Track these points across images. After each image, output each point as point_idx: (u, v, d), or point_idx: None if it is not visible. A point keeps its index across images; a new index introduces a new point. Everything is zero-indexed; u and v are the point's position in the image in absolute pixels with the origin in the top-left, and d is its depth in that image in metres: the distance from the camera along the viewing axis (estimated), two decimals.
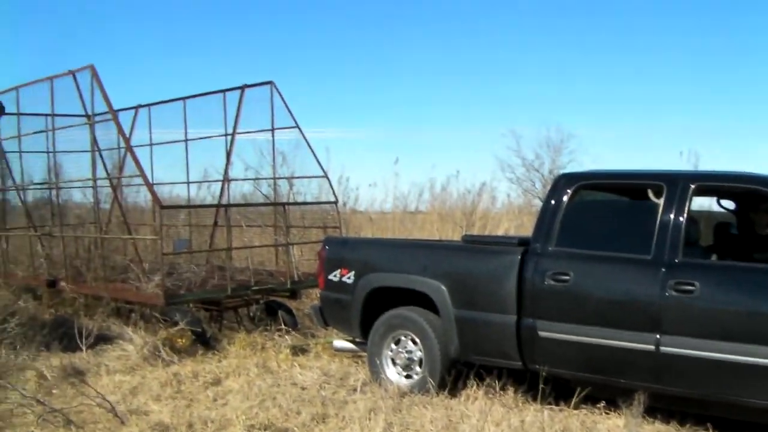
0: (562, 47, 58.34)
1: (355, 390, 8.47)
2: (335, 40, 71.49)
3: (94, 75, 11.81)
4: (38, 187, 15.11)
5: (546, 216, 7.96)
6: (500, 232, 16.78)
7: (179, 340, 10.44)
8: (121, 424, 7.39)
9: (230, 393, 8.47)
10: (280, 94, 13.69)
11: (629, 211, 8.21)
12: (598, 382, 7.47)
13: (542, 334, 7.55)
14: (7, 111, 12.66)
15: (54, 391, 8.69)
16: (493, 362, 8.09)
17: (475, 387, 8.03)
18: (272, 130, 14.10)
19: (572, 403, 7.57)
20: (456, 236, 14.37)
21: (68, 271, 13.10)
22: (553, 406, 7.72)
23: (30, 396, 7.88)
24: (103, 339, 10.98)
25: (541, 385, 7.64)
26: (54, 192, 14.51)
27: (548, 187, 8.57)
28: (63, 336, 10.63)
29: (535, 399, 7.80)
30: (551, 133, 31.77)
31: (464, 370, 8.22)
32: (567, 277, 7.46)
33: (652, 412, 7.26)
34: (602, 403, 7.54)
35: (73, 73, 12.37)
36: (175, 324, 10.67)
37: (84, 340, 10.41)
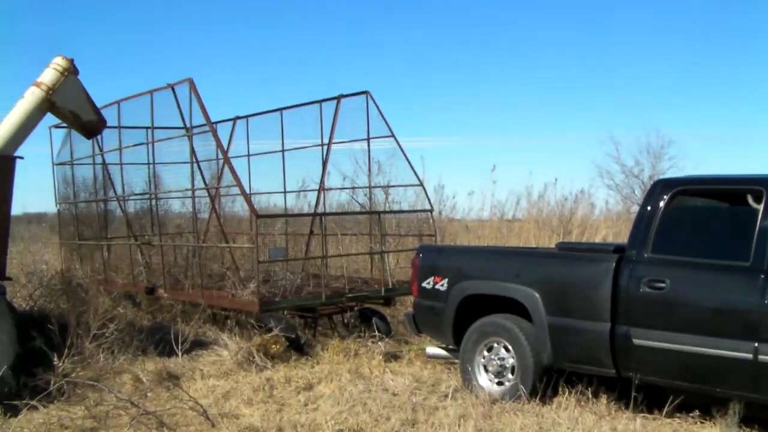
0: (662, 50, 57.58)
1: (446, 396, 8.45)
2: (431, 49, 71.85)
3: (193, 88, 12.03)
4: (139, 197, 15.49)
5: (642, 222, 7.83)
6: (598, 240, 16.58)
7: (273, 346, 10.55)
8: (211, 427, 7.53)
9: (321, 398, 8.53)
10: (376, 104, 13.78)
11: (727, 216, 8.03)
12: (693, 391, 7.32)
13: (636, 341, 7.43)
14: (108, 124, 12.97)
15: (149, 395, 8.90)
16: (586, 370, 7.99)
17: (567, 394, 7.94)
18: (368, 139, 14.18)
19: (665, 411, 7.44)
20: (553, 244, 14.22)
21: (166, 279, 13.39)
22: (647, 414, 7.59)
23: (125, 398, 8.06)
24: (198, 344, 11.19)
25: (633, 393, 7.51)
26: (154, 202, 14.84)
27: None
28: (160, 341, 10.85)
29: (627, 407, 7.69)
30: (651, 138, 31.39)
31: (556, 377, 8.12)
32: (663, 285, 7.32)
33: (748, 421, 7.09)
34: (696, 412, 7.38)
35: (172, 87, 12.63)
36: (270, 330, 10.80)
37: (180, 345, 10.61)
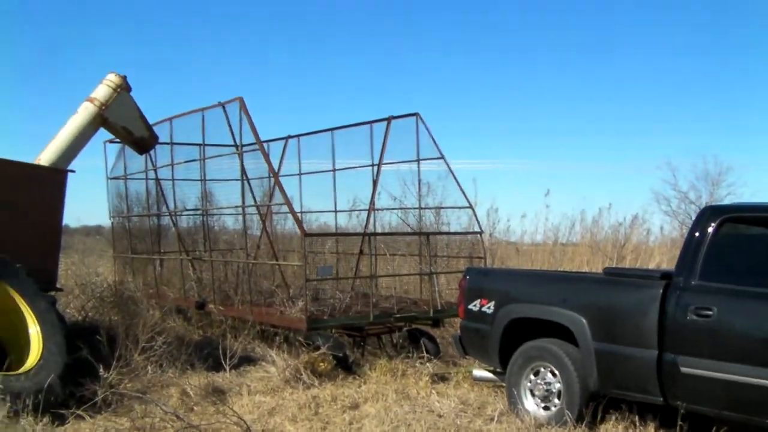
0: (719, 76, 56.95)
1: (491, 420, 8.41)
2: (483, 72, 71.83)
3: (243, 107, 12.18)
4: (190, 213, 15.68)
5: (690, 249, 7.73)
6: (652, 266, 16.38)
7: (321, 364, 10.58)
8: None
9: (366, 417, 8.53)
10: (426, 126, 13.84)
11: None
12: (740, 421, 7.20)
13: (684, 370, 7.31)
14: (161, 140, 13.17)
15: (195, 409, 8.98)
16: (632, 397, 7.90)
17: (613, 421, 7.86)
18: (418, 161, 14.22)
19: None
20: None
21: (216, 294, 13.51)
22: None
23: (171, 411, 8.13)
24: (246, 360, 11.27)
25: (679, 422, 7.41)
26: (205, 218, 14.99)
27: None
28: (208, 356, 10.95)
29: None
30: (709, 165, 30.94)
31: (603, 403, 8.03)
32: (710, 312, 7.21)
33: None
34: None
35: (222, 105, 12.80)
36: (317, 348, 10.83)
37: (228, 360, 10.68)
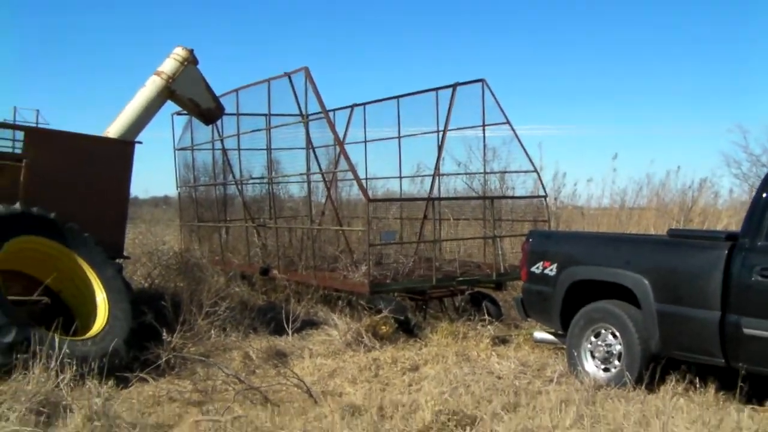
0: None
1: (550, 381, 8.38)
2: (550, 37, 70.97)
3: (308, 76, 12.22)
4: (256, 181, 15.82)
5: (756, 210, 7.61)
6: (719, 228, 16.09)
7: (382, 327, 10.63)
8: (314, 404, 7.64)
9: (426, 379, 8.56)
10: (492, 92, 13.73)
11: None
12: None
13: (747, 331, 7.21)
14: (227, 112, 13.28)
15: (257, 371, 9.09)
16: (694, 358, 7.81)
17: (673, 383, 7.77)
18: (483, 126, 14.11)
19: None
20: None
21: (281, 260, 13.61)
22: (755, 406, 7.36)
23: (232, 374, 8.24)
24: (309, 324, 11.36)
25: (739, 383, 7.30)
26: (270, 186, 15.09)
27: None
28: (271, 320, 11.05)
29: (735, 397, 7.49)
30: None
31: (663, 364, 7.94)
32: None
33: None
34: None
35: (288, 75, 12.85)
36: (379, 312, 10.88)
37: (290, 324, 10.81)
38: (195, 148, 16.60)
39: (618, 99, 73.33)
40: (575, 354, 8.66)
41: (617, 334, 8.30)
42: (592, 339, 8.59)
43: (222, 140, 15.57)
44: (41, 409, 6.70)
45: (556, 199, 18.09)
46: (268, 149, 14.41)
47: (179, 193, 17.98)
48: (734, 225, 16.12)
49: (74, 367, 7.61)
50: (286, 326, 10.79)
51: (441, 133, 14.73)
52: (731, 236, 7.79)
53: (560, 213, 18.11)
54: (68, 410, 6.73)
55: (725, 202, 19.62)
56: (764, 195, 7.60)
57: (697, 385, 7.73)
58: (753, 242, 7.43)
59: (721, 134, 65.16)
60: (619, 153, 30.75)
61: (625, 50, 73.03)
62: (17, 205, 8.84)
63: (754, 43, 63.26)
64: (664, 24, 69.81)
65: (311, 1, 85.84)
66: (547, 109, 72.51)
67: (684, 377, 7.82)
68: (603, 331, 8.49)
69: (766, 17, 61.66)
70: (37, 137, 9.99)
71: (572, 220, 18.60)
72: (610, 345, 8.39)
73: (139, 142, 11.11)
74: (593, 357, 8.57)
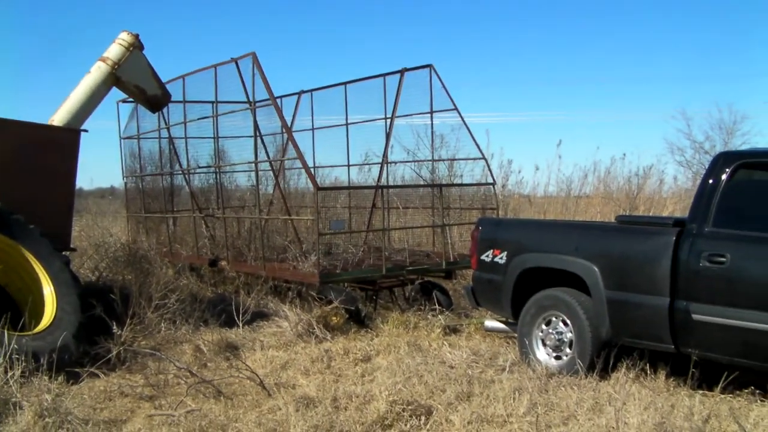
0: (734, 22, 56.34)
1: (503, 370, 8.41)
2: (494, 24, 71.33)
3: (256, 62, 12.08)
4: (203, 170, 15.67)
5: (703, 196, 7.68)
6: (664, 215, 16.29)
7: (333, 318, 10.60)
8: (267, 396, 7.60)
9: (378, 370, 8.54)
10: (439, 78, 13.73)
11: None
12: (753, 368, 7.20)
13: (696, 317, 7.30)
14: (173, 99, 13.13)
15: (208, 364, 9.01)
16: (644, 345, 7.90)
17: (624, 370, 7.86)
18: (431, 113, 14.14)
19: (720, 387, 7.35)
20: None
21: (229, 251, 13.53)
22: (705, 391, 7.49)
23: (184, 367, 8.18)
24: (259, 316, 11.28)
25: (691, 369, 7.40)
26: (218, 175, 14.98)
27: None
28: (221, 312, 10.93)
29: (685, 383, 7.60)
30: (723, 114, 30.67)
31: (614, 351, 8.01)
32: (723, 259, 7.17)
33: None
34: (752, 389, 7.30)
35: (235, 61, 12.70)
36: (330, 302, 10.85)
37: (241, 316, 10.73)
38: (141, 136, 16.38)
39: (562, 84, 73.95)
40: (527, 342, 8.71)
41: (568, 321, 8.36)
42: (543, 327, 8.65)
43: (168, 128, 15.36)
44: None
45: (503, 187, 18.19)
46: (216, 137, 14.25)
47: (125, 184, 17.74)
48: (679, 212, 16.40)
49: (23, 363, 7.50)
50: (236, 318, 10.70)
51: (389, 120, 14.71)
52: (679, 222, 7.86)
53: (508, 201, 18.20)
54: (18, 407, 6.60)
55: (670, 189, 19.91)
56: (710, 181, 7.67)
57: (648, 372, 7.81)
58: (700, 228, 7.50)
59: (665, 121, 66.01)
60: (564, 140, 31.00)
61: (569, 36, 73.58)
62: None
63: (697, 29, 64.06)
64: (606, 10, 70.42)
65: None
66: (492, 96, 72.97)
67: (635, 364, 7.89)
68: (554, 318, 8.55)
69: (710, 6, 62.48)
70: None
71: (520, 209, 18.72)
72: (561, 333, 8.45)
73: (85, 130, 10.94)
74: (545, 345, 8.62)
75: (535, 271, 8.88)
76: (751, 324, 6.93)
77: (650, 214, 16.91)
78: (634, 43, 69.44)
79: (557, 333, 8.48)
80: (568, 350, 8.36)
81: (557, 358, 8.47)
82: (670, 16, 65.91)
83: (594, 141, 56.68)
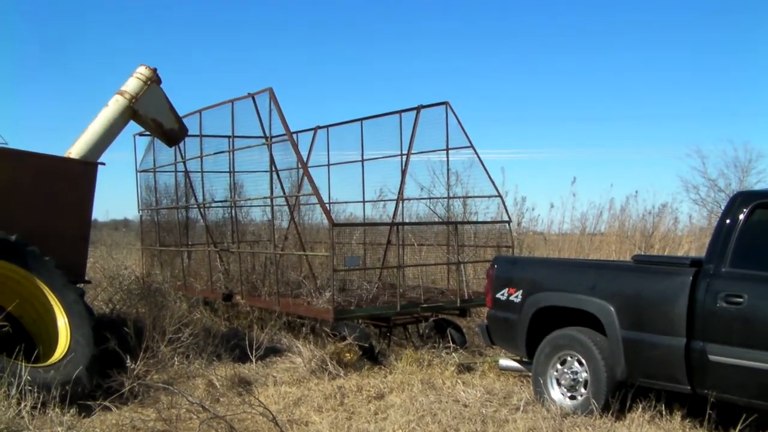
0: (750, 60, 56.33)
1: (517, 409, 8.34)
2: (510, 63, 71.56)
3: (272, 97, 12.14)
4: (219, 205, 15.70)
5: (720, 236, 7.63)
6: (680, 254, 16.21)
7: (347, 354, 10.56)
8: None
9: (392, 407, 8.49)
10: (455, 115, 13.78)
11: None
12: None
13: (713, 358, 7.22)
14: (190, 133, 13.18)
15: (221, 399, 8.98)
16: (660, 385, 7.81)
17: (640, 410, 7.79)
18: (446, 150, 14.17)
19: (738, 430, 7.23)
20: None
21: (244, 286, 13.52)
22: None
23: (196, 402, 8.14)
24: (272, 351, 11.26)
25: (708, 411, 7.32)
26: (233, 210, 14.99)
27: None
28: (234, 347, 10.95)
29: (701, 425, 7.53)
30: (738, 152, 30.57)
31: (630, 392, 7.95)
32: (741, 300, 7.11)
33: None
34: None
35: (252, 96, 12.76)
36: (344, 339, 10.81)
37: (254, 351, 10.69)
38: (157, 170, 16.44)
39: (577, 122, 74.09)
40: (541, 381, 8.64)
41: (583, 361, 8.28)
42: (558, 366, 8.57)
43: (185, 162, 15.44)
44: None
45: (518, 224, 18.16)
46: (231, 172, 14.31)
47: (141, 216, 17.77)
48: (694, 251, 16.31)
49: (36, 395, 7.49)
50: (249, 353, 10.67)
51: (404, 157, 14.74)
52: (696, 262, 7.79)
53: (522, 238, 18.16)
54: None
55: (685, 227, 19.82)
56: (727, 221, 7.63)
57: (664, 413, 7.73)
58: (717, 268, 7.45)
59: (679, 158, 65.89)
60: (579, 177, 30.96)
61: (583, 74, 73.75)
62: None
63: (712, 69, 64.12)
64: (620, 48, 70.59)
65: (276, 23, 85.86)
66: (507, 133, 73.08)
67: (651, 405, 7.81)
68: (569, 358, 8.47)
69: (724, 38, 62.56)
70: None
71: (535, 246, 18.68)
72: (576, 372, 8.37)
73: (102, 164, 11.00)
74: (559, 384, 8.54)
75: (551, 310, 8.82)
76: (767, 365, 6.84)
77: (666, 252, 16.86)
78: (648, 80, 69.47)
79: (572, 373, 8.40)
80: (583, 390, 8.27)
81: (572, 398, 8.39)
82: (685, 53, 65.98)
83: (608, 178, 56.70)
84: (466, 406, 8.56)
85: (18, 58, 78.75)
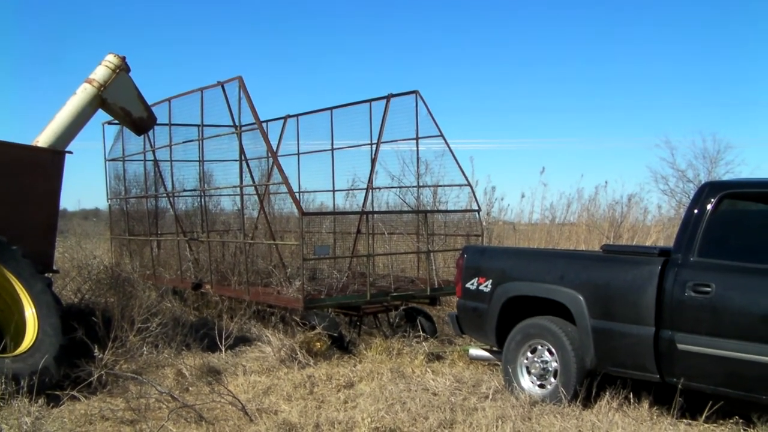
0: (719, 51, 56.77)
1: (486, 397, 8.40)
2: (480, 51, 71.64)
3: (242, 86, 12.06)
4: (188, 194, 15.61)
5: (688, 225, 7.67)
6: (648, 244, 16.31)
7: (316, 343, 10.56)
8: (249, 422, 7.55)
9: (361, 396, 8.51)
10: (425, 104, 13.77)
11: None
12: (738, 398, 7.18)
13: (681, 346, 7.27)
14: (159, 121, 13.09)
15: (190, 389, 8.96)
16: (629, 374, 7.87)
17: (607, 398, 7.84)
18: (416, 139, 14.17)
19: (704, 417, 7.33)
20: None
21: (213, 275, 13.47)
22: (690, 421, 7.48)
23: (165, 391, 8.13)
24: (242, 341, 11.23)
25: (676, 399, 7.39)
26: (203, 199, 14.92)
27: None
28: (204, 337, 10.92)
29: (668, 412, 7.59)
30: (707, 143, 30.86)
31: (598, 380, 8.00)
32: (709, 289, 7.16)
33: None
34: (736, 418, 7.30)
35: (222, 85, 12.68)
36: (313, 328, 10.80)
37: (223, 341, 10.67)
38: (126, 158, 16.31)
39: (547, 112, 74.40)
40: (510, 370, 8.68)
41: (554, 351, 8.31)
42: (529, 354, 8.60)
43: (154, 151, 15.33)
44: None
45: (488, 214, 18.19)
46: (201, 161, 14.22)
47: (110, 206, 17.61)
48: (662, 240, 16.42)
49: (3, 385, 7.43)
50: (219, 343, 10.65)
51: (374, 146, 14.73)
52: (664, 252, 7.85)
53: (491, 228, 18.20)
54: None
55: (654, 217, 19.93)
56: (696, 211, 7.67)
57: (632, 401, 7.81)
58: (685, 258, 7.49)
59: (649, 149, 66.33)
60: (548, 168, 31.06)
61: (554, 64, 74.02)
62: None
63: (682, 60, 64.55)
64: (590, 38, 70.92)
65: (244, 9, 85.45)
66: (476, 123, 73.24)
67: (619, 393, 7.88)
68: (539, 347, 8.50)
69: (693, 29, 62.98)
70: None
71: (504, 236, 18.71)
72: (546, 362, 8.40)
73: (70, 152, 10.90)
74: (529, 373, 8.58)
75: (520, 300, 8.85)
76: (735, 354, 6.91)
77: (634, 242, 16.94)
78: (617, 71, 69.83)
79: (542, 362, 8.44)
80: (552, 379, 8.31)
81: (541, 386, 8.43)
82: (655, 45, 66.35)
83: (578, 169, 56.99)
84: (435, 394, 8.61)
85: (13, 52, 77.88)
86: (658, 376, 7.54)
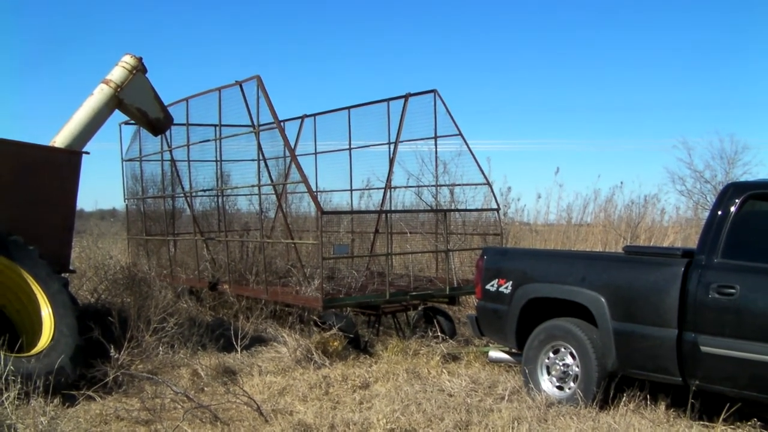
0: (737, 52, 56.46)
1: (502, 399, 8.34)
2: (499, 52, 71.51)
3: (260, 85, 12.00)
4: (206, 194, 15.56)
5: (712, 227, 7.57)
6: (666, 245, 16.19)
7: (332, 344, 10.50)
8: (264, 423, 7.51)
9: (377, 397, 8.46)
10: (444, 103, 13.70)
11: None
12: (762, 401, 7.06)
13: (704, 349, 7.17)
14: (176, 121, 13.06)
15: (205, 389, 8.93)
16: (651, 377, 7.77)
17: (624, 400, 7.77)
18: (435, 138, 14.09)
19: (721, 419, 7.24)
20: (620, 248, 14.03)
21: (231, 275, 13.41)
22: (706, 423, 7.41)
23: (181, 392, 8.08)
24: (258, 341, 11.21)
25: (690, 400, 7.31)
26: (220, 199, 14.88)
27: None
28: (219, 337, 10.90)
29: (686, 414, 7.52)
30: (725, 144, 30.67)
31: (615, 382, 7.92)
32: (733, 291, 7.06)
33: None
34: (754, 421, 7.25)
35: (239, 84, 12.62)
36: (330, 328, 10.74)
37: (239, 341, 10.61)
38: (143, 159, 16.28)
39: (563, 112, 74.20)
40: (531, 369, 8.59)
41: (576, 355, 8.20)
42: (551, 354, 8.51)
43: (171, 151, 15.28)
44: None
45: (504, 214, 18.08)
46: (218, 160, 14.17)
47: (127, 206, 17.60)
48: (680, 241, 16.32)
49: (19, 385, 7.40)
50: (235, 343, 10.59)
51: (392, 145, 14.66)
52: (687, 253, 7.75)
53: (508, 229, 18.10)
54: (13, 429, 6.57)
55: (671, 218, 19.80)
56: (719, 212, 7.57)
57: (649, 403, 7.74)
58: (709, 259, 7.40)
59: (666, 150, 66.06)
60: (565, 168, 31.00)
61: (571, 65, 73.84)
62: None
63: (699, 60, 64.24)
64: (608, 39, 70.66)
65: (262, 9, 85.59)
66: (493, 124, 73.15)
67: (636, 395, 7.80)
68: (562, 349, 8.41)
69: (712, 30, 62.67)
70: None
71: (521, 236, 18.63)
72: (567, 365, 8.31)
73: (87, 153, 10.87)
74: (549, 373, 8.50)
75: (541, 302, 8.76)
76: (760, 357, 6.80)
77: (651, 243, 16.82)
78: (635, 72, 69.59)
79: (564, 365, 8.35)
80: (572, 384, 8.23)
81: (560, 388, 8.35)
82: (672, 45, 66.07)
83: (595, 170, 56.84)
84: (451, 395, 8.56)
85: (17, 52, 78.28)
86: (680, 378, 7.44)
